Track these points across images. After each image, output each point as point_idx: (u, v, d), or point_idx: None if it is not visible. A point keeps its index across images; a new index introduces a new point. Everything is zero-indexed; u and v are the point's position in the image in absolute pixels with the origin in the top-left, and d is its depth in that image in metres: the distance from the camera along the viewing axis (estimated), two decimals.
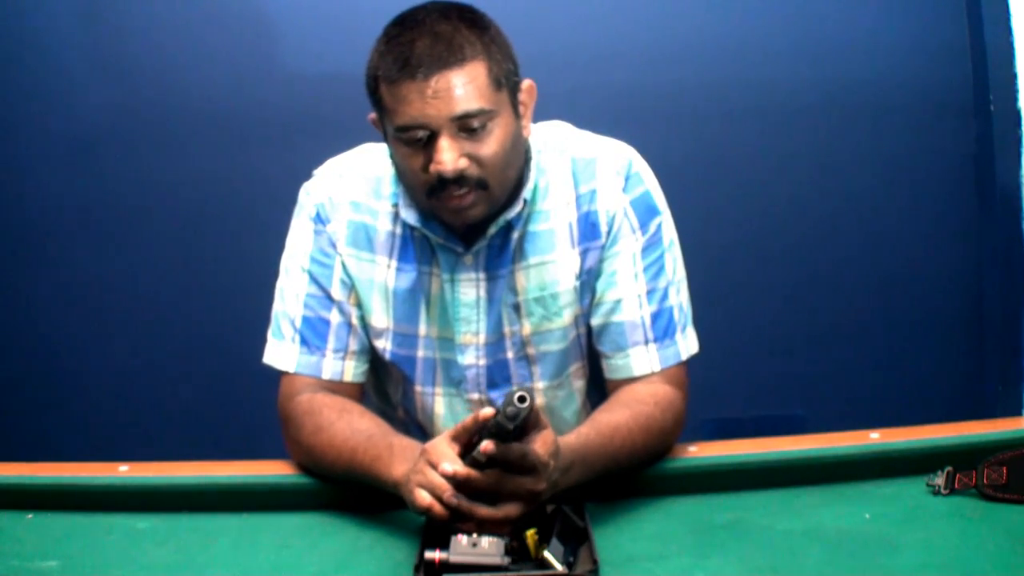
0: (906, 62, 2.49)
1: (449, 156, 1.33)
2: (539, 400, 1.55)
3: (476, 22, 1.37)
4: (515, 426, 1.15)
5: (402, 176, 1.43)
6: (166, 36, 2.47)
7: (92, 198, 2.52)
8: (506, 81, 1.37)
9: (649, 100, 2.48)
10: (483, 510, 1.17)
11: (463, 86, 1.32)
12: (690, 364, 1.51)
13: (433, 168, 1.34)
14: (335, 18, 2.41)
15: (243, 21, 2.47)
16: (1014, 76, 2.43)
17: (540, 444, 1.19)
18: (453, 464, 1.18)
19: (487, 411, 1.18)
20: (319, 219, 1.51)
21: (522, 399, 1.13)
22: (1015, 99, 2.44)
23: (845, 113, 2.50)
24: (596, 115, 1.63)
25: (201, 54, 2.47)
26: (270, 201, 1.61)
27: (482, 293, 1.50)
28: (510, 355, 1.53)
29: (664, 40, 2.48)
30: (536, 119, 1.53)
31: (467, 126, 1.34)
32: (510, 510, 1.18)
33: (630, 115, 2.44)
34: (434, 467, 1.20)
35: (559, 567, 1.14)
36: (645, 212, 1.49)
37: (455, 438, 1.22)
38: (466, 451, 1.21)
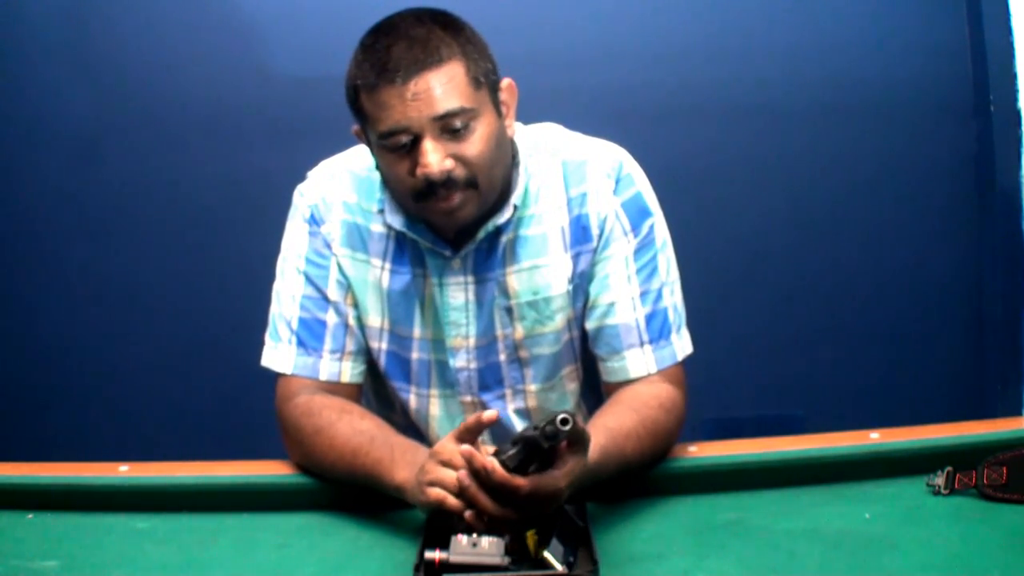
0: (906, 62, 2.49)
1: (434, 158, 1.33)
2: (531, 402, 1.55)
3: (450, 24, 1.37)
4: (550, 446, 1.14)
5: (388, 183, 1.42)
6: (164, 39, 2.47)
7: (90, 199, 2.52)
8: (485, 80, 1.38)
9: (650, 100, 2.48)
10: (486, 501, 1.15)
11: (442, 86, 1.32)
12: (690, 364, 1.51)
13: (419, 172, 1.34)
14: (329, 21, 2.41)
15: (238, 24, 2.47)
16: (1014, 76, 2.43)
17: (565, 471, 1.17)
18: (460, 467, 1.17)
19: (490, 413, 1.18)
20: (313, 220, 1.51)
21: (564, 421, 1.11)
22: (1015, 99, 2.44)
23: (845, 113, 2.50)
24: (592, 115, 1.64)
25: (198, 57, 2.47)
26: (269, 202, 1.61)
27: (471, 296, 1.49)
28: (502, 358, 1.52)
29: (662, 39, 2.48)
30: (530, 120, 1.53)
31: (449, 126, 1.34)
32: (511, 513, 1.17)
33: (634, 115, 2.44)
34: (445, 465, 1.20)
35: (559, 567, 1.14)
36: (637, 214, 1.48)
37: (459, 439, 1.22)
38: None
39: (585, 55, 2.47)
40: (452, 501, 1.18)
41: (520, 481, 1.15)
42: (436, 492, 1.19)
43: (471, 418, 1.22)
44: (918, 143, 2.52)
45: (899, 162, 2.53)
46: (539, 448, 1.14)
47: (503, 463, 1.16)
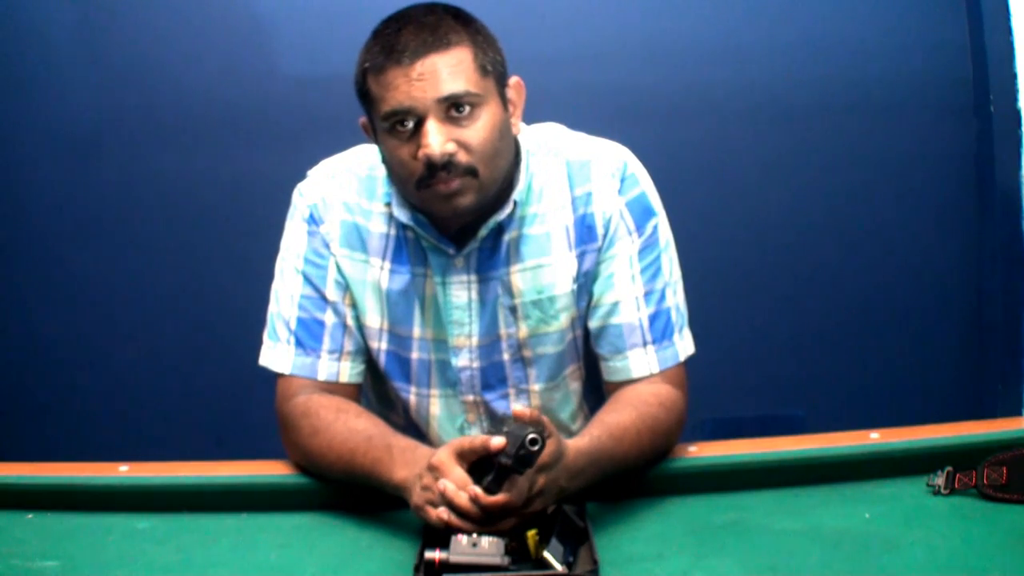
0: (906, 62, 2.48)
1: (436, 140, 1.33)
2: (535, 402, 1.55)
3: (461, 15, 1.39)
4: (525, 469, 1.15)
5: (392, 170, 1.42)
6: (165, 38, 2.47)
7: (92, 199, 2.52)
8: (492, 70, 1.38)
9: (648, 99, 2.48)
10: (472, 528, 1.17)
11: (449, 68, 1.33)
12: (690, 364, 1.51)
13: (421, 153, 1.34)
14: (332, 20, 2.41)
15: (241, 23, 2.47)
16: (1014, 76, 2.43)
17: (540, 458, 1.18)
18: (458, 492, 1.18)
19: (498, 441, 1.17)
20: (312, 220, 1.51)
21: (534, 442, 1.13)
22: (1015, 99, 2.44)
23: (845, 113, 2.50)
24: (593, 115, 1.64)
25: (199, 56, 2.47)
26: (269, 201, 1.61)
27: (474, 295, 1.49)
28: (506, 357, 1.52)
29: (662, 39, 2.48)
30: (531, 119, 1.53)
31: (454, 109, 1.34)
32: (503, 524, 1.18)
33: (636, 114, 2.44)
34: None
35: (559, 567, 1.14)
36: (641, 214, 1.49)
37: (461, 456, 1.22)
38: (471, 467, 1.21)
39: (587, 55, 2.47)
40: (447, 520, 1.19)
41: (502, 498, 1.16)
42: (434, 512, 1.20)
43: (478, 439, 1.21)
44: (918, 143, 2.52)
45: (899, 162, 2.53)
46: (516, 473, 1.16)
47: (486, 489, 1.17)
